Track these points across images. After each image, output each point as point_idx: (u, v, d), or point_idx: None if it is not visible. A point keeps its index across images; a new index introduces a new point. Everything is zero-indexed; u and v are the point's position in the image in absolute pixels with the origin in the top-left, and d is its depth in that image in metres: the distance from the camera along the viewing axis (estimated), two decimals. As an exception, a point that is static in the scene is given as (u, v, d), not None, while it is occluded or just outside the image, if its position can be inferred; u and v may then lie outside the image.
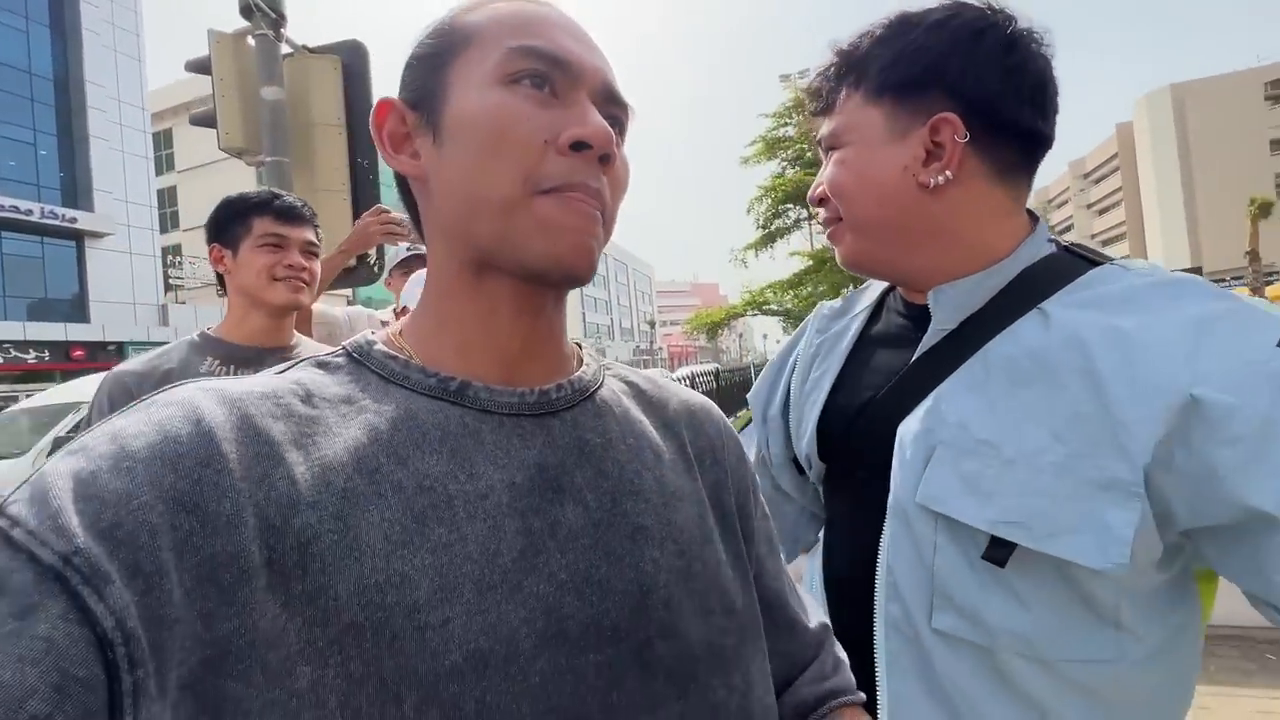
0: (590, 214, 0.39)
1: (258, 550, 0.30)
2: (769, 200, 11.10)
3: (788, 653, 0.50)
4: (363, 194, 3.23)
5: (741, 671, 0.42)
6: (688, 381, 8.94)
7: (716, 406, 0.54)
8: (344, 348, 0.41)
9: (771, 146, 11.41)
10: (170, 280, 22.42)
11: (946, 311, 0.62)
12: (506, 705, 0.33)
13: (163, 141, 28.32)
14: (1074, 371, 0.52)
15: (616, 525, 0.40)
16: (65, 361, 17.35)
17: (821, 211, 0.69)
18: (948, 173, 0.58)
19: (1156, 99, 48.91)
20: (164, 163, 28.08)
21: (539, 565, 0.36)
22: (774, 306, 11.67)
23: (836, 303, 0.84)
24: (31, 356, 16.82)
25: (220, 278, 1.26)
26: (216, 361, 1.20)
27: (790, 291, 11.44)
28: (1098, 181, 62.06)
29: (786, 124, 11.42)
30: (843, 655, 0.55)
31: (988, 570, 0.54)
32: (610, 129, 0.39)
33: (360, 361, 0.40)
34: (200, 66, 3.02)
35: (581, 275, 0.39)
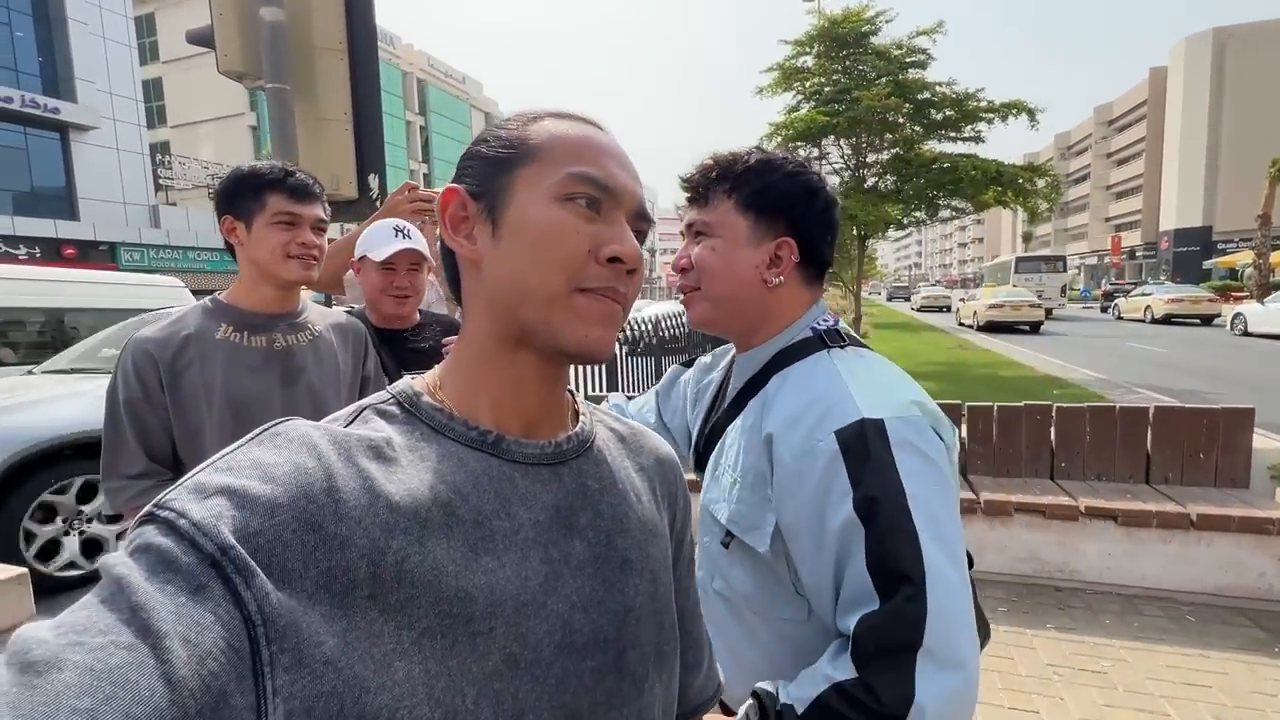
0: (615, 311, 0.49)
1: (364, 566, 0.37)
2: (780, 137, 10.56)
3: (693, 663, 0.65)
4: (365, 122, 3.18)
5: (670, 670, 0.55)
6: (678, 318, 8.94)
7: (675, 455, 0.66)
8: (394, 398, 0.48)
9: (788, 77, 10.78)
10: (160, 180, 21.73)
11: (740, 375, 0.90)
12: (532, 703, 0.42)
13: (145, 28, 26.68)
14: (757, 424, 0.81)
15: (611, 557, 0.50)
16: (57, 259, 17.07)
17: (679, 279, 0.91)
18: (781, 277, 0.85)
19: (1196, 43, 46.35)
20: (147, 51, 26.58)
21: (558, 588, 0.45)
22: None
23: (707, 358, 1.11)
24: (23, 252, 16.55)
25: (230, 248, 1.30)
26: (230, 327, 1.26)
27: None
28: (1121, 130, 59.82)
29: (805, 53, 10.83)
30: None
31: (725, 551, 0.83)
32: (639, 248, 0.49)
33: (411, 412, 0.47)
34: (195, -21, 2.88)
35: (602, 358, 0.49)
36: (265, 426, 0.41)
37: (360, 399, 1.42)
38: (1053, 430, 3.33)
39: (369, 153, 3.20)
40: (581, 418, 0.55)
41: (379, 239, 1.61)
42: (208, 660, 0.31)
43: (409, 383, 0.49)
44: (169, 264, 19.63)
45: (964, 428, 3.41)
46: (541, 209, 0.47)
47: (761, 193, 0.84)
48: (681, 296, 0.92)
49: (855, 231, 10.52)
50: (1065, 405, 3.38)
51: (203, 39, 2.95)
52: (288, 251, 1.26)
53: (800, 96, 10.91)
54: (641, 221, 0.51)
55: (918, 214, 10.87)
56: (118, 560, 0.33)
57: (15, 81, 17.12)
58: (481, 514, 0.44)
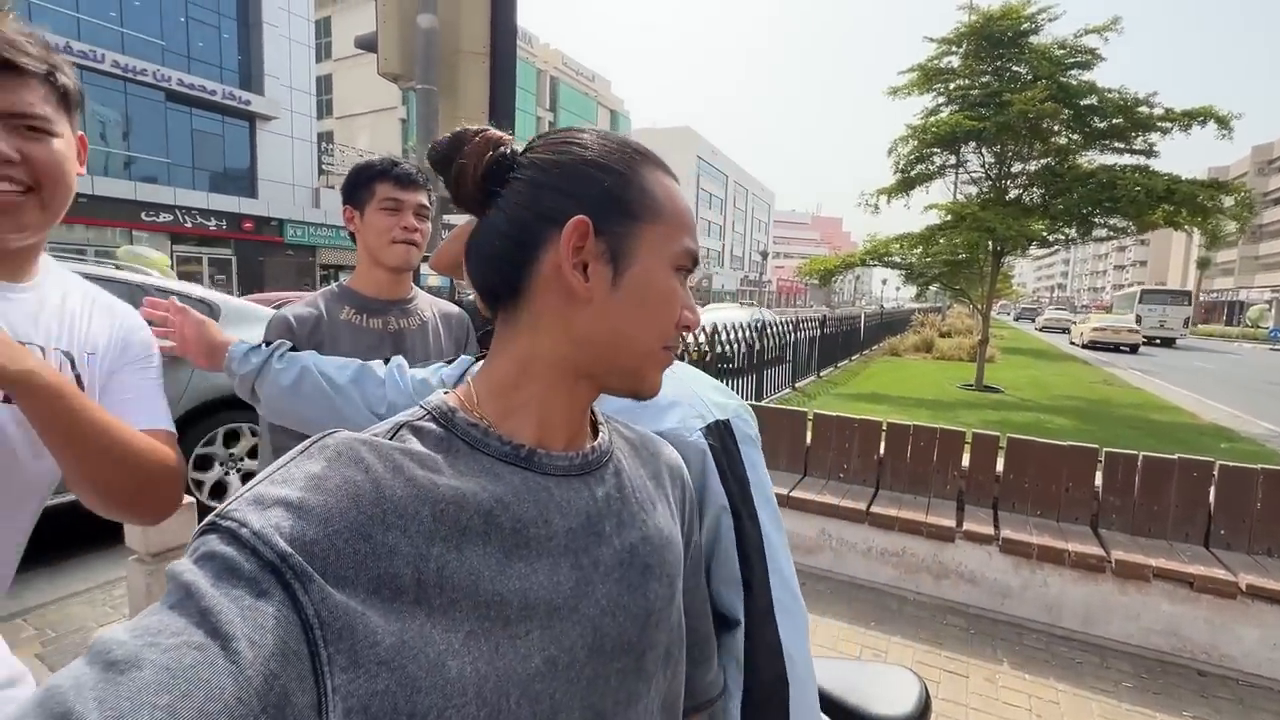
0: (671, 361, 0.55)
1: (409, 573, 0.39)
2: (915, 141, 9.79)
3: (701, 658, 0.68)
4: (499, 121, 3.37)
5: (674, 668, 0.57)
6: (789, 324, 8.69)
7: (680, 459, 0.67)
8: (430, 414, 0.49)
9: (929, 77, 9.99)
10: (323, 165, 24.36)
11: None
12: (566, 703, 0.45)
13: (322, 29, 29.90)
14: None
15: (634, 563, 0.52)
16: (237, 231, 19.74)
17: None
18: None
19: None
20: (322, 51, 29.77)
21: (589, 593, 0.48)
22: (897, 259, 10.78)
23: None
24: (212, 224, 19.25)
25: (352, 235, 1.43)
26: (352, 310, 1.39)
27: (920, 247, 10.31)
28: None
29: (952, 53, 9.99)
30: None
31: None
32: None
33: (447, 428, 0.48)
34: (366, -10, 3.19)
35: (654, 396, 0.55)
36: (315, 439, 0.43)
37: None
38: (1212, 490, 2.90)
39: (500, 150, 3.37)
40: (601, 428, 0.57)
41: None
42: (271, 661, 0.33)
43: (442, 398, 0.51)
44: (325, 240, 22.05)
45: (1099, 475, 3.06)
46: (665, 277, 0.51)
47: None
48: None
49: (991, 246, 9.67)
50: (1232, 464, 2.93)
51: (368, 44, 3.27)
52: (392, 236, 1.37)
53: (942, 99, 10.12)
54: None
55: (1067, 231, 9.81)
56: (185, 568, 0.35)
57: (219, 76, 19.90)
58: (521, 521, 0.46)
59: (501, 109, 3.35)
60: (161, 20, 18.60)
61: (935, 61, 10.12)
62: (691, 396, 0.80)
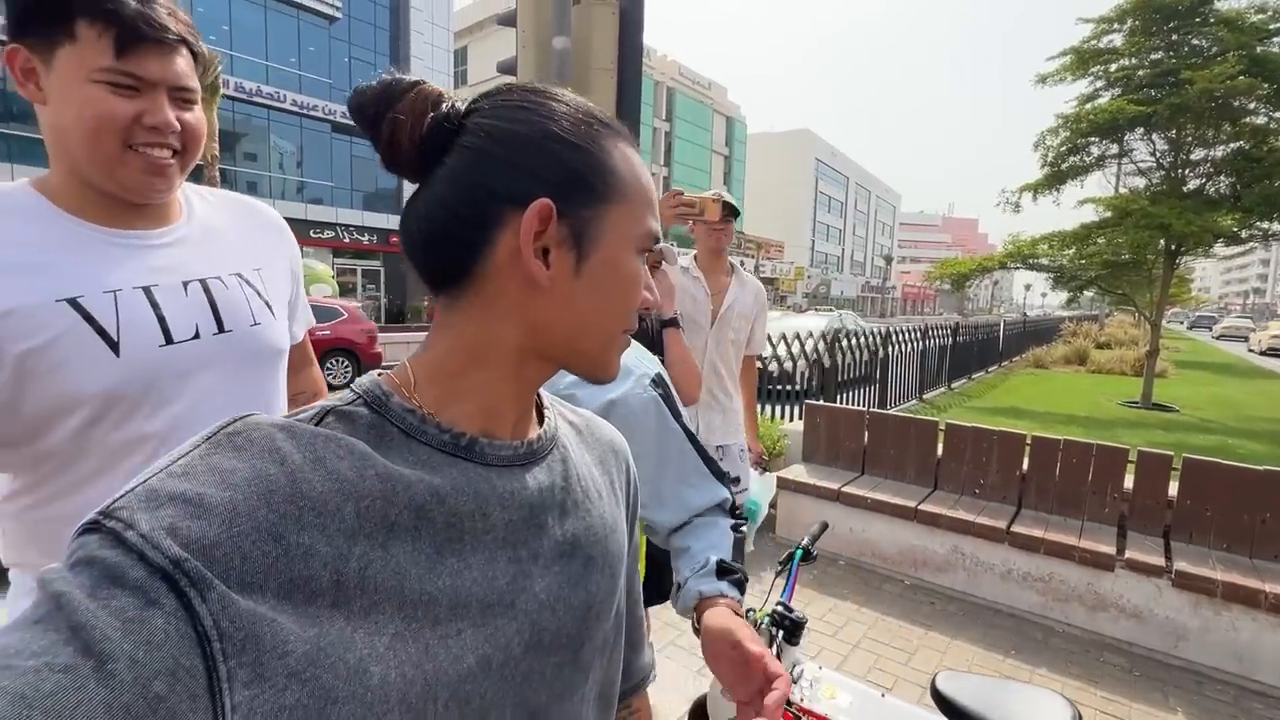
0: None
1: (327, 575, 0.36)
2: (1067, 131, 8.73)
3: (637, 642, 0.69)
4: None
5: (611, 655, 0.56)
6: (916, 333, 8.15)
7: (624, 441, 0.65)
8: (361, 398, 0.44)
9: (1084, 60, 8.88)
10: (458, 183, 26.50)
11: None
12: (498, 700, 0.43)
13: (459, 59, 32.55)
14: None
15: (576, 555, 0.50)
16: (386, 245, 22.04)
17: None
18: None
19: None
20: (458, 79, 32.40)
21: (527, 587, 0.45)
22: (1044, 261, 9.72)
23: None
24: (366, 239, 21.67)
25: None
26: None
27: (1073, 247, 9.17)
28: None
29: (1113, 31, 8.81)
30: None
31: None
32: None
33: (380, 413, 0.43)
34: (508, 20, 3.48)
35: (614, 379, 0.52)
36: (222, 425, 0.38)
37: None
38: None
39: (625, 160, 3.52)
40: (546, 414, 0.54)
41: None
42: (155, 681, 0.29)
43: (376, 380, 0.45)
44: (458, 252, 24.02)
45: (1307, 508, 2.61)
46: (629, 261, 0.47)
47: None
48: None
49: (1163, 245, 8.50)
50: None
51: (508, 68, 3.55)
52: None
53: (1100, 83, 9.04)
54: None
55: (1264, 225, 8.38)
56: (55, 575, 0.31)
57: (374, 108, 22.32)
58: (456, 515, 0.42)
59: (628, 120, 3.50)
60: (330, 62, 21.26)
61: (1092, 42, 9.09)
62: (631, 359, 0.95)
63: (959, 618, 2.90)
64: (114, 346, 0.79)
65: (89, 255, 0.80)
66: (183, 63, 0.82)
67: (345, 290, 19.92)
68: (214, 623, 0.31)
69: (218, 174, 15.20)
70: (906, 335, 7.62)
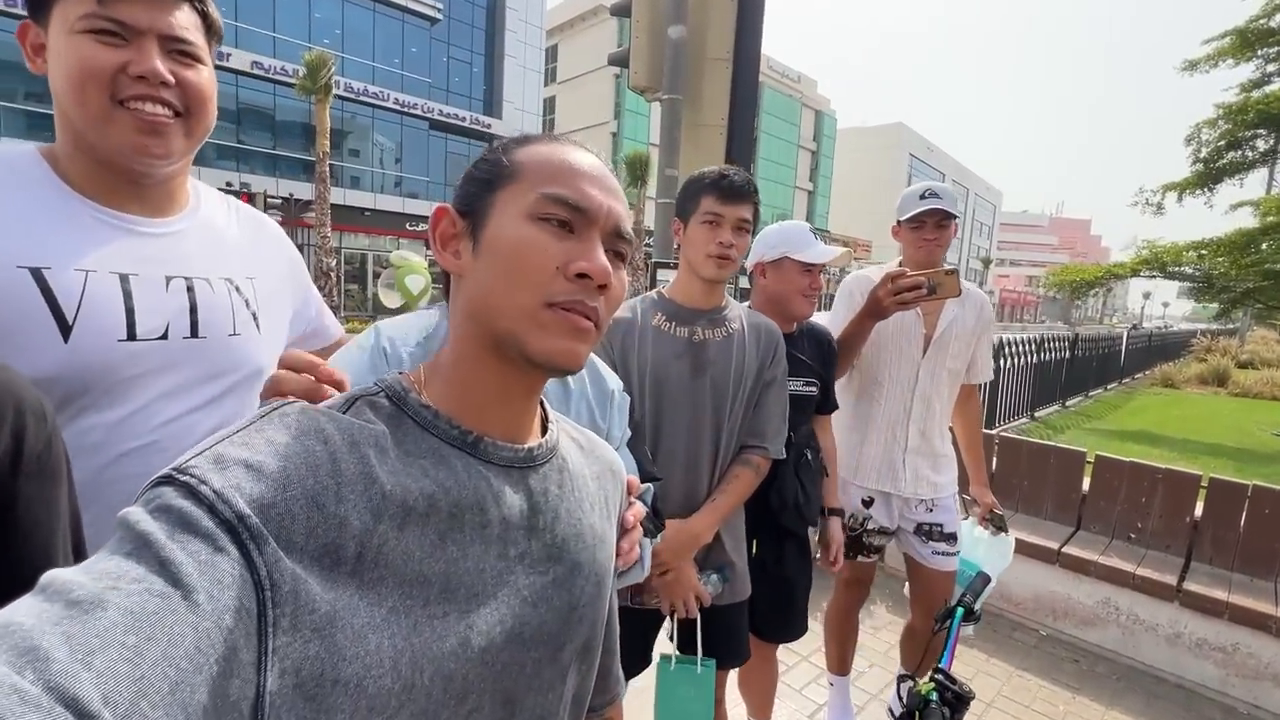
0: (585, 326, 0.50)
1: (353, 546, 0.41)
2: (1229, 124, 7.71)
3: (611, 648, 0.70)
4: (738, 126, 3.31)
5: (589, 664, 0.59)
6: (1031, 344, 7.43)
7: (622, 463, 0.70)
8: (384, 391, 0.50)
9: (1250, 42, 7.72)
10: (544, 179, 27.11)
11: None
12: (478, 685, 0.46)
13: (550, 56, 33.21)
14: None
15: (564, 560, 0.54)
16: (475, 239, 22.90)
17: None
18: None
19: None
20: (548, 75, 33.08)
21: (512, 582, 0.50)
22: (1186, 270, 8.61)
23: None
24: (456, 232, 22.58)
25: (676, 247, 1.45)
26: (663, 316, 1.40)
27: (1229, 255, 7.94)
28: None
29: None
30: None
31: None
32: (608, 264, 0.51)
33: (399, 406, 0.49)
34: (621, 10, 3.35)
35: (570, 369, 0.51)
36: (273, 406, 0.44)
37: (763, 399, 1.47)
38: None
39: (737, 156, 3.33)
40: (550, 427, 0.58)
41: (802, 239, 1.62)
42: (225, 615, 0.34)
43: (397, 378, 0.52)
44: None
45: None
46: (514, 227, 0.50)
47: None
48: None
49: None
50: None
51: (620, 60, 3.43)
52: (707, 251, 1.35)
53: (1272, 66, 7.89)
54: (619, 241, 0.53)
55: None
56: (140, 517, 0.35)
57: (469, 105, 23.14)
58: (459, 506, 0.47)
59: (740, 115, 3.30)
60: (430, 62, 22.18)
61: (1261, 21, 7.94)
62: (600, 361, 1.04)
63: (1112, 683, 2.52)
64: (65, 331, 0.72)
65: (71, 228, 0.75)
66: (182, 16, 0.77)
67: (437, 278, 20.78)
68: (267, 573, 0.36)
69: (327, 169, 16.18)
70: (1022, 347, 6.96)
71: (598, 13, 31.51)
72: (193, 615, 0.32)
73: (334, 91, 15.96)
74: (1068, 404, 9.17)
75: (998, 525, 2.03)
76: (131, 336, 0.76)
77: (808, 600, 1.75)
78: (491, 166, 0.52)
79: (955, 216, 1.82)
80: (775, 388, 1.45)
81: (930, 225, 1.82)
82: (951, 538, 1.93)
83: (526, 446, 0.54)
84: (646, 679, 1.48)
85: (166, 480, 0.37)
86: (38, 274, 0.71)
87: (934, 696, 1.30)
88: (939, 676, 1.36)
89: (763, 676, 1.84)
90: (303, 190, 18.48)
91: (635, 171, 20.37)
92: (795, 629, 1.73)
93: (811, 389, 1.69)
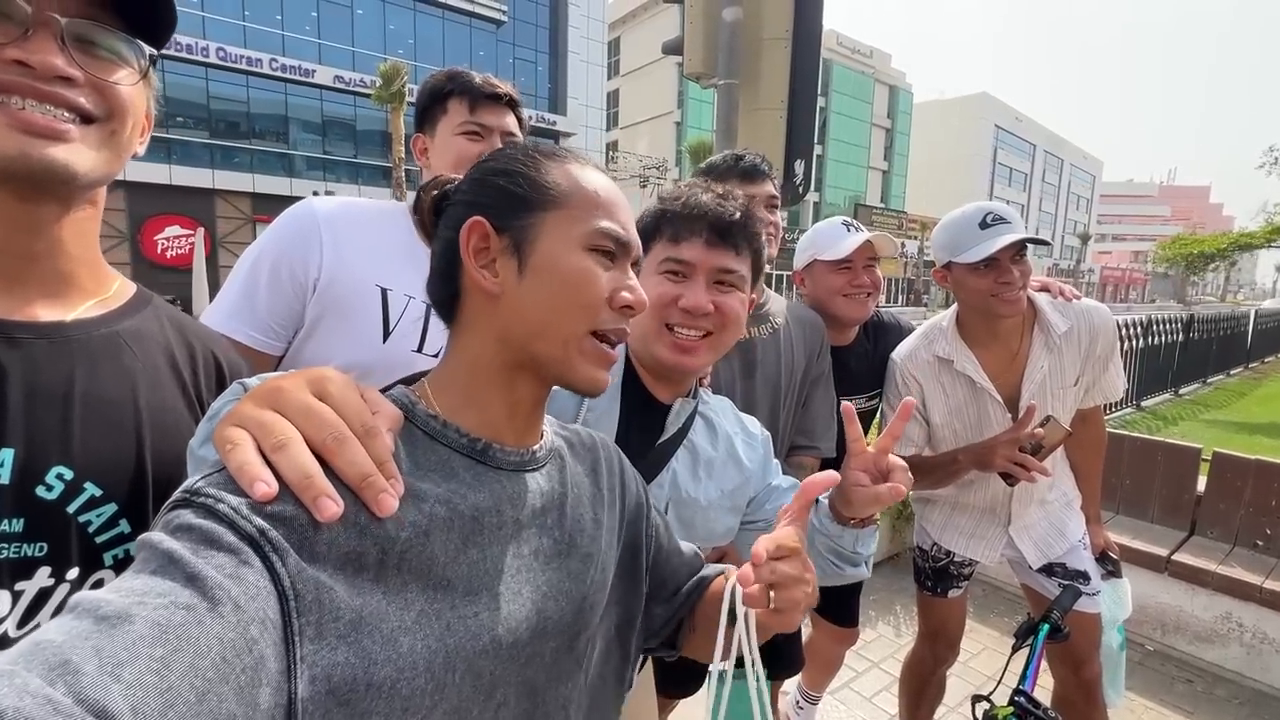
0: (613, 357, 0.55)
1: (375, 553, 0.42)
2: None
3: (685, 563, 0.76)
4: (798, 110, 3.17)
5: (608, 649, 0.64)
6: (1137, 328, 6.73)
7: (610, 441, 0.72)
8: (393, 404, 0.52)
9: None
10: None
11: (679, 415, 0.95)
12: (505, 678, 0.49)
13: (612, 49, 33.30)
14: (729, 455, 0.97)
15: (573, 553, 0.57)
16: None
17: (705, 322, 0.90)
18: None
19: None
20: (612, 69, 33.18)
21: (531, 579, 0.52)
22: None
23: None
24: (525, 230, 23.16)
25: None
26: None
27: None
28: None
29: None
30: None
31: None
32: (645, 296, 0.56)
33: (408, 418, 0.51)
34: (675, -5, 3.27)
35: (596, 394, 0.56)
36: None
37: (811, 396, 1.35)
38: None
39: (798, 140, 3.19)
40: (545, 430, 0.61)
41: (830, 237, 1.52)
42: (252, 626, 0.35)
43: (405, 390, 0.53)
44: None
45: None
46: (573, 257, 0.52)
47: (760, 253, 0.95)
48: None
49: None
50: None
51: (674, 48, 3.36)
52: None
53: None
54: (637, 266, 0.58)
55: None
56: (161, 538, 0.36)
57: (533, 104, 23.58)
58: (478, 511, 0.49)
59: (800, 98, 3.15)
60: (496, 63, 22.74)
61: None
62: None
63: (1235, 708, 2.25)
64: (386, 335, 1.01)
65: (415, 264, 0.95)
66: (511, 120, 1.17)
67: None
68: (291, 584, 0.37)
69: (403, 174, 16.96)
70: (1127, 331, 6.34)
71: (657, 2, 31.33)
72: (218, 627, 0.33)
73: (407, 99, 16.67)
74: (1181, 392, 8.30)
75: (1109, 570, 1.70)
76: (420, 349, 1.04)
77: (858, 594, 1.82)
78: (529, 185, 0.54)
79: (1042, 242, 1.37)
80: (823, 383, 1.37)
81: (1005, 263, 1.30)
82: (1087, 577, 1.57)
83: (530, 449, 0.57)
84: (698, 693, 1.44)
85: (183, 503, 0.38)
86: (383, 292, 1.01)
87: (1008, 716, 1.19)
88: (1019, 699, 1.25)
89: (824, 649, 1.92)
90: (382, 194, 19.47)
91: (699, 160, 20.14)
92: (844, 618, 1.80)
93: (875, 404, 1.58)
